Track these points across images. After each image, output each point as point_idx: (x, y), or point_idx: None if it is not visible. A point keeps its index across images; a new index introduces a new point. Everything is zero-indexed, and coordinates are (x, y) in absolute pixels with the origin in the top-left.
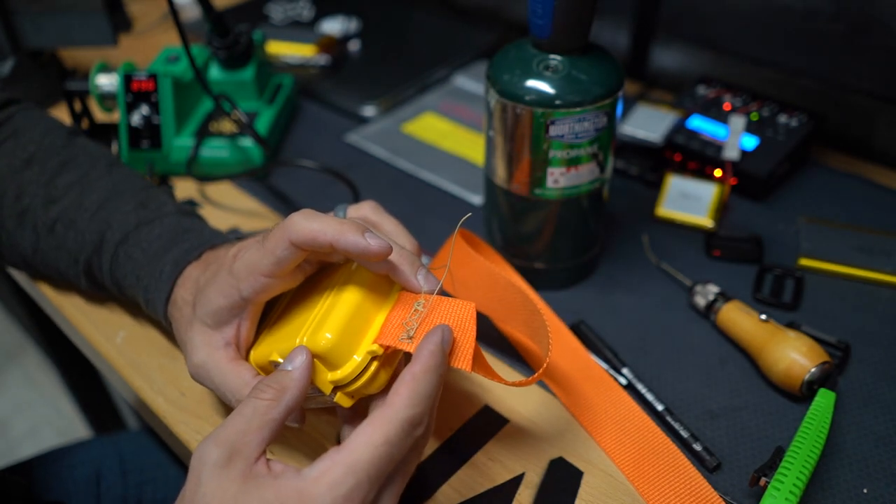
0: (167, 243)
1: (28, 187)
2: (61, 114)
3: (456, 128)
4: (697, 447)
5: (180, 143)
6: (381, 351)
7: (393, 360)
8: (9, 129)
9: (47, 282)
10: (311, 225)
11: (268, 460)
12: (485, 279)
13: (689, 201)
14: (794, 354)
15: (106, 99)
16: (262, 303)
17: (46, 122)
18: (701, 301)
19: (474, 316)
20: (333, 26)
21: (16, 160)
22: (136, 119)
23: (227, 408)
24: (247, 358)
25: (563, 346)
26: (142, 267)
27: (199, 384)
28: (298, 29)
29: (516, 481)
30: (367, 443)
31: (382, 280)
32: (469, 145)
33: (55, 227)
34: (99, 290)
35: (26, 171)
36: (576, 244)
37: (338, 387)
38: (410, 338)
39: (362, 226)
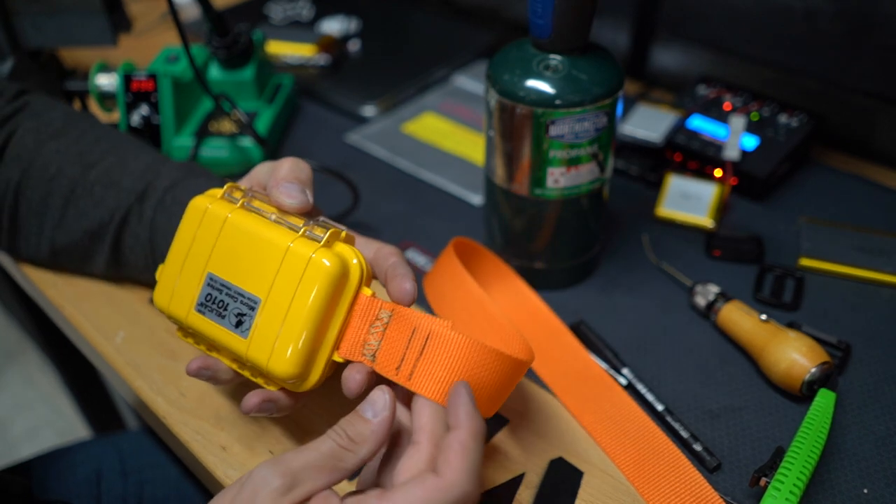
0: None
1: (55, 156)
2: None
3: (456, 128)
4: (697, 447)
5: (180, 142)
6: (342, 361)
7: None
8: (29, 112)
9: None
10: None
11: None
12: (468, 304)
13: (690, 201)
14: (794, 355)
15: (106, 99)
16: None
17: (64, 106)
18: (701, 301)
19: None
20: (333, 26)
21: (42, 135)
22: (135, 119)
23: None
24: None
25: (563, 346)
26: None
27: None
28: (298, 29)
29: (516, 481)
30: None
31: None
32: (469, 145)
33: (94, 189)
34: (116, 259)
35: (52, 143)
36: (576, 244)
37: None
38: (374, 356)
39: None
